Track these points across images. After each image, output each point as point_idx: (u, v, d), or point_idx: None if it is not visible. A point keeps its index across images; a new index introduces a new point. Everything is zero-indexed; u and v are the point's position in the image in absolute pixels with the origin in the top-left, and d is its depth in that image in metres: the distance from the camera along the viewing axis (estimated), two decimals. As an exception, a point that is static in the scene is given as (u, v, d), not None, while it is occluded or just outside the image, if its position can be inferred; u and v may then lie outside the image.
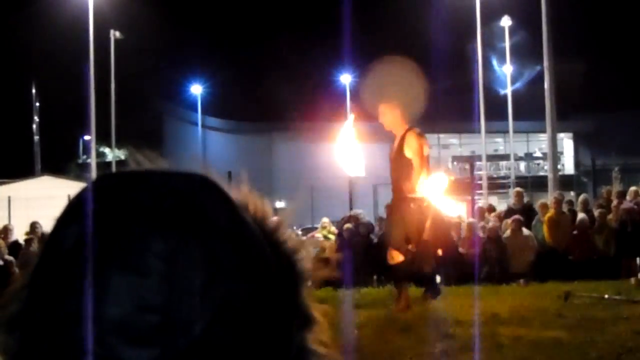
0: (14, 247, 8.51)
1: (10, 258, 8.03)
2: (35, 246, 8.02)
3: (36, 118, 27.62)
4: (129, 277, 0.37)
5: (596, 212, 8.62)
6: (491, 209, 9.82)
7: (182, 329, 0.37)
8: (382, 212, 10.36)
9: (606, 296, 5.23)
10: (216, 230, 0.40)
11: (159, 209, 0.39)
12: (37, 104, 27.73)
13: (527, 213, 8.78)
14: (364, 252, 8.32)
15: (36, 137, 27.06)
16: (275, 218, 0.45)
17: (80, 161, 28.99)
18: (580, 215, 8.47)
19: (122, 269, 0.37)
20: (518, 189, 10.25)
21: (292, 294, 0.43)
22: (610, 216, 8.53)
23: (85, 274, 0.37)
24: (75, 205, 0.41)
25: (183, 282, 0.38)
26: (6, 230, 8.97)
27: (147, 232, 0.38)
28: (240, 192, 0.45)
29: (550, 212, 8.48)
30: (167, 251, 0.38)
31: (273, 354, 0.40)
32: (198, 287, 0.38)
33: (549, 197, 10.36)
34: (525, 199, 9.75)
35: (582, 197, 9.78)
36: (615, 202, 8.83)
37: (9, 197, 12.25)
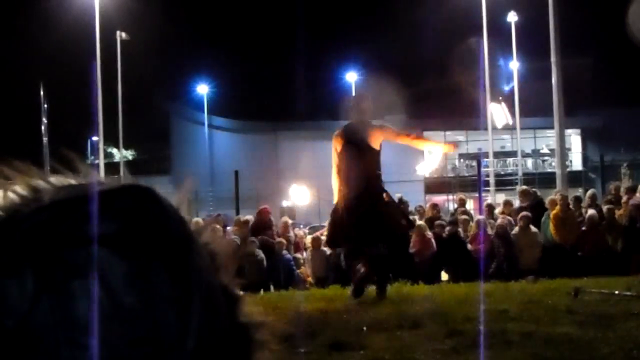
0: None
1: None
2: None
3: (44, 119, 27.82)
4: (110, 316, 0.35)
5: (605, 208, 8.57)
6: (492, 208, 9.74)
7: (175, 349, 0.36)
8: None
9: (616, 292, 5.20)
10: (173, 244, 0.38)
11: (114, 235, 0.36)
12: (46, 105, 27.93)
13: (537, 209, 8.74)
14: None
15: (45, 139, 27.25)
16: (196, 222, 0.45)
17: (88, 162, 29.13)
18: (590, 211, 8.43)
19: (99, 309, 0.35)
20: (524, 187, 10.21)
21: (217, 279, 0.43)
22: (619, 212, 8.47)
23: (62, 336, 0.34)
24: (14, 254, 0.36)
25: (161, 304, 0.36)
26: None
27: (110, 263, 0.36)
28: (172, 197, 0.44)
29: (556, 209, 8.44)
30: (134, 279, 0.36)
31: (224, 340, 0.40)
32: (176, 305, 0.37)
33: (556, 194, 10.30)
34: (533, 196, 9.69)
35: (589, 192, 9.73)
36: (624, 198, 8.78)
37: None
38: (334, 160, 5.25)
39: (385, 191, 5.33)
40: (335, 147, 5.24)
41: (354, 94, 5.51)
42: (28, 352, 0.34)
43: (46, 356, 0.35)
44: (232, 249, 0.44)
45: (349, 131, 5.24)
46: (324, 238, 9.02)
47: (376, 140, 5.15)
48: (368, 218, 5.00)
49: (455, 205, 11.47)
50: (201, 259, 0.40)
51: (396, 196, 10.51)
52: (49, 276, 0.35)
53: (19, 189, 0.39)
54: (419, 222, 8.59)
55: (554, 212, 8.44)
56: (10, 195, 0.39)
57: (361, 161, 5.11)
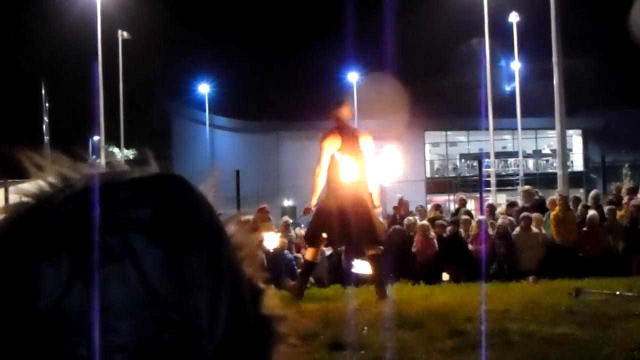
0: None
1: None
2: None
3: (46, 119, 27.85)
4: (143, 301, 0.35)
5: (606, 209, 8.56)
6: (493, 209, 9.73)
7: (204, 335, 0.37)
8: (391, 211, 10.38)
9: (617, 293, 5.20)
10: (205, 233, 0.39)
11: (148, 222, 0.37)
12: (47, 104, 27.96)
13: (538, 210, 8.74)
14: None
15: (46, 138, 27.28)
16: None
17: (89, 161, 29.17)
18: (591, 212, 8.43)
19: (132, 294, 0.35)
20: (526, 187, 10.18)
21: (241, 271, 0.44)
22: (620, 212, 8.47)
23: (95, 319, 0.34)
24: (50, 239, 0.36)
25: (192, 291, 0.37)
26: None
27: (144, 249, 0.36)
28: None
29: (556, 209, 8.43)
30: (167, 265, 0.36)
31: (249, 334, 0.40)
32: (207, 293, 0.37)
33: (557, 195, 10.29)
34: (537, 196, 9.70)
35: (593, 192, 9.72)
36: (625, 198, 8.77)
37: (21, 197, 12.43)
38: (323, 158, 5.25)
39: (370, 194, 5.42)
40: (328, 145, 5.24)
41: (337, 99, 5.56)
42: (60, 335, 0.35)
43: (78, 339, 0.35)
44: (256, 243, 0.45)
45: (346, 133, 5.29)
46: (325, 237, 9.02)
47: (367, 147, 5.29)
48: (359, 220, 5.11)
49: (456, 206, 11.46)
50: (230, 250, 0.41)
51: (397, 196, 10.52)
52: (84, 261, 0.36)
53: (50, 177, 0.40)
54: (422, 222, 8.59)
55: (554, 212, 8.43)
56: (41, 183, 0.40)
57: (358, 164, 5.20)
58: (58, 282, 0.35)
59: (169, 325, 0.36)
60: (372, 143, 5.31)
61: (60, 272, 0.35)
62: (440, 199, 22.12)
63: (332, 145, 5.24)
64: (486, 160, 21.94)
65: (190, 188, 0.40)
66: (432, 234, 8.39)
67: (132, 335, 0.35)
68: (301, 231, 10.59)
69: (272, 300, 0.43)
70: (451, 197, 23.89)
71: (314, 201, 5.44)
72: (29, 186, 0.41)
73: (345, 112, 5.41)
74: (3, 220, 0.39)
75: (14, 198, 0.41)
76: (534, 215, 8.39)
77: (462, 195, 11.11)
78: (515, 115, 23.50)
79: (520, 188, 11.58)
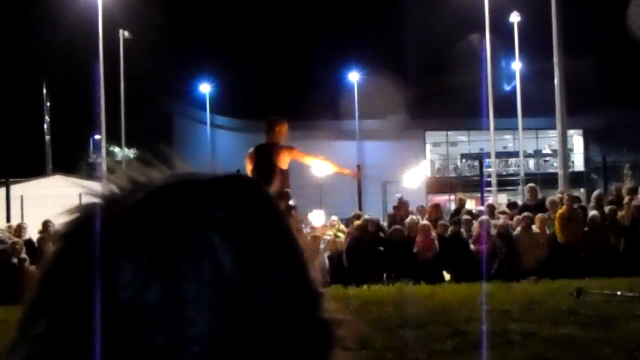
0: (27, 245, 8.70)
1: (24, 256, 8.24)
2: (48, 244, 8.16)
3: (47, 118, 27.86)
4: (218, 296, 0.37)
5: (606, 209, 8.56)
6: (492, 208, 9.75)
7: (275, 331, 0.38)
8: (391, 210, 10.38)
9: (618, 293, 5.20)
10: (276, 232, 0.41)
11: (224, 220, 0.38)
12: (48, 103, 27.97)
13: (541, 209, 8.74)
14: (372, 249, 8.33)
15: (47, 137, 27.29)
16: None
17: (90, 160, 29.27)
18: (592, 212, 8.43)
19: (208, 288, 0.37)
20: (531, 184, 10.18)
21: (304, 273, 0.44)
22: (621, 213, 8.47)
23: (172, 311, 0.36)
24: (130, 235, 0.37)
25: (265, 288, 0.38)
26: (20, 228, 9.15)
27: (220, 246, 0.37)
28: None
29: (562, 208, 8.44)
30: (242, 261, 0.38)
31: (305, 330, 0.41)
32: (278, 290, 0.38)
33: (562, 194, 10.27)
34: (540, 195, 9.71)
35: (595, 193, 9.72)
36: (626, 199, 8.77)
37: (22, 196, 12.42)
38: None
39: (294, 209, 5.59)
40: (247, 165, 5.64)
41: (271, 117, 5.93)
42: (139, 326, 0.36)
43: (155, 329, 0.36)
44: (315, 246, 0.45)
45: (259, 152, 5.64)
46: (327, 237, 9.05)
47: (284, 160, 5.52)
48: None
49: (456, 206, 11.46)
50: (299, 251, 0.42)
51: (396, 196, 10.51)
52: (163, 256, 0.37)
53: (120, 180, 0.41)
54: (424, 222, 8.59)
55: (560, 211, 8.42)
56: (111, 186, 0.41)
57: (269, 180, 5.43)
58: (138, 275, 0.36)
59: (242, 319, 0.37)
60: (289, 154, 5.61)
61: (140, 267, 0.37)
62: (440, 199, 22.11)
63: (247, 165, 5.68)
64: (487, 160, 21.93)
65: (263, 189, 0.42)
66: (434, 234, 8.39)
67: (207, 327, 0.36)
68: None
69: (331, 303, 0.44)
70: (452, 197, 23.88)
71: None
72: (100, 187, 0.42)
73: (270, 130, 5.73)
74: (82, 218, 0.40)
75: (86, 198, 0.41)
76: (538, 215, 8.39)
77: (461, 195, 11.11)
78: (516, 115, 23.49)
79: (521, 187, 11.56)
